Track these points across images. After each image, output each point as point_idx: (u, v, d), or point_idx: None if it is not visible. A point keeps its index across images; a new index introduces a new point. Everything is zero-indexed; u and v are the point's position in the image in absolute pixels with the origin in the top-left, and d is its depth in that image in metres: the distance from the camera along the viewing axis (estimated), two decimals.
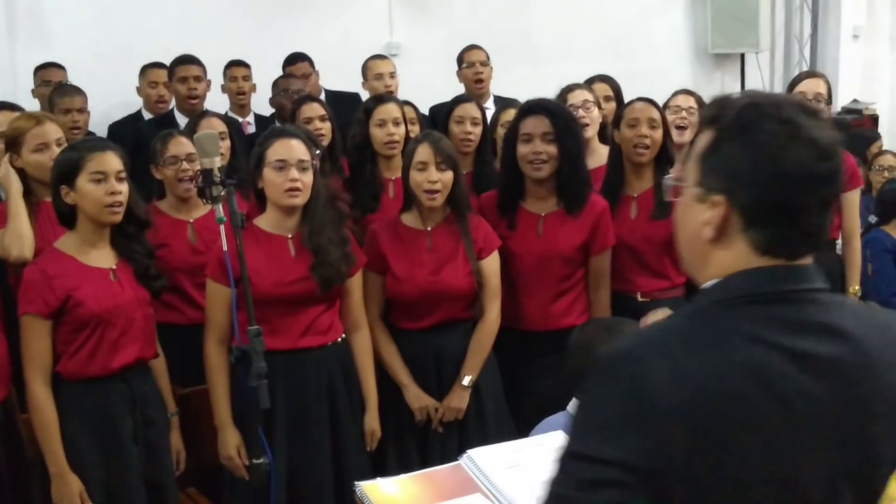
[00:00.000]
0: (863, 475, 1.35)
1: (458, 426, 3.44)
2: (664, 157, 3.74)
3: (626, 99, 4.12)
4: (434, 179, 3.34)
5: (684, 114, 4.24)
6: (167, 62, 5.28)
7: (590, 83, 4.64)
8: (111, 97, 5.48)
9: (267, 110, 5.50)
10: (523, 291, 3.56)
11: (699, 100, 4.38)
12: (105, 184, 2.96)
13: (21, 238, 3.27)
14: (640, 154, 3.71)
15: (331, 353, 3.25)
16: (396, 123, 4.01)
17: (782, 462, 1.29)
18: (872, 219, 5.11)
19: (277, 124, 4.54)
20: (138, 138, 4.68)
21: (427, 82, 5.73)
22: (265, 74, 5.48)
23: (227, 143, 4.04)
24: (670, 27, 7.94)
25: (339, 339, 3.30)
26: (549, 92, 4.11)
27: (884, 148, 6.59)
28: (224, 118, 4.40)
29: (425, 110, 5.01)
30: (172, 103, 5.29)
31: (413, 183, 3.39)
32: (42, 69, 5.30)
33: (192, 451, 3.34)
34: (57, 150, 3.31)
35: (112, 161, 3.00)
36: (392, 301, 3.49)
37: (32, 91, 5.26)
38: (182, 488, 3.37)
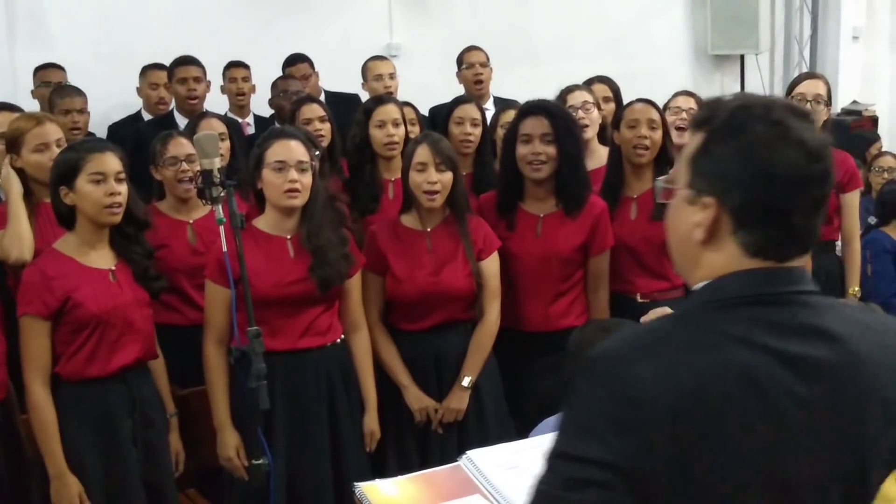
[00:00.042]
0: (853, 477, 1.35)
1: (457, 427, 3.43)
2: (664, 158, 3.74)
3: (626, 100, 4.12)
4: (433, 180, 3.34)
5: (684, 115, 4.24)
6: (167, 63, 5.29)
7: (589, 84, 4.64)
8: (111, 98, 5.48)
9: (266, 111, 5.50)
10: (522, 292, 3.56)
11: (699, 101, 4.38)
12: (104, 185, 2.96)
13: (21, 240, 3.26)
14: (639, 155, 3.71)
15: (330, 353, 3.25)
16: (396, 124, 4.01)
17: (770, 464, 1.29)
18: (872, 220, 5.12)
19: (277, 125, 4.54)
20: (138, 139, 4.69)
21: (427, 83, 5.73)
22: (265, 75, 5.48)
23: (227, 144, 4.04)
24: (670, 28, 7.94)
25: (339, 340, 3.30)
26: (549, 93, 4.11)
27: (883, 149, 6.60)
28: (224, 119, 4.41)
29: (425, 111, 5.01)
30: (172, 104, 5.29)
31: (412, 184, 3.39)
32: (42, 70, 5.31)
33: (192, 452, 3.34)
34: (57, 151, 3.30)
35: (111, 162, 3.00)
36: (392, 302, 3.49)
37: (32, 92, 5.26)
38: (182, 489, 3.36)
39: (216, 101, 5.40)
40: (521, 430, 3.04)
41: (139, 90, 5.46)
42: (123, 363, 3.02)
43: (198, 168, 3.07)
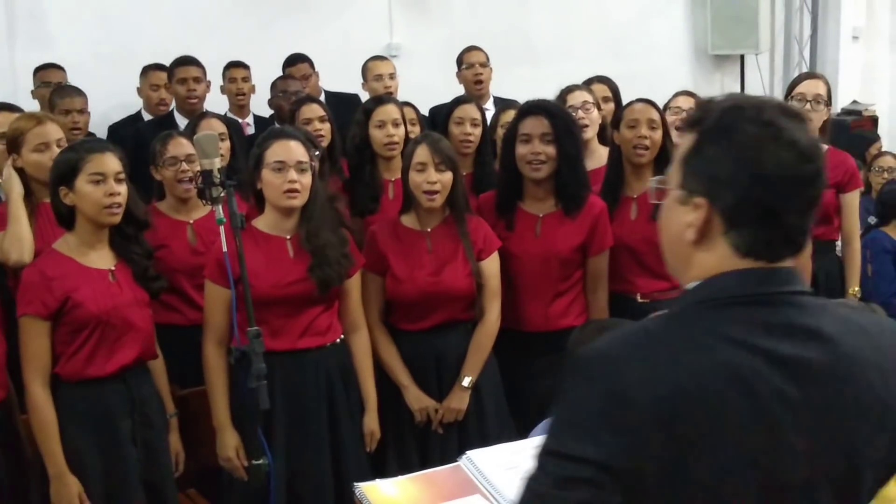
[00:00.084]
0: (845, 479, 1.35)
1: (458, 427, 3.43)
2: (664, 158, 3.73)
3: (625, 100, 4.12)
4: (433, 180, 3.34)
5: (684, 115, 4.23)
6: (167, 63, 5.29)
7: (588, 84, 4.64)
8: (111, 98, 5.49)
9: (266, 111, 5.50)
10: (521, 292, 3.56)
11: (699, 101, 4.38)
12: (104, 185, 2.96)
13: (20, 242, 3.26)
14: (639, 155, 3.71)
15: (329, 353, 3.25)
16: (396, 125, 4.01)
17: (760, 465, 1.29)
18: (872, 220, 5.12)
19: (276, 125, 4.54)
20: (138, 139, 4.69)
21: (427, 83, 5.73)
22: (265, 75, 5.48)
23: (227, 144, 4.04)
24: (670, 28, 7.94)
25: (338, 340, 3.30)
26: (549, 93, 4.11)
27: (883, 149, 6.60)
28: (224, 119, 4.40)
29: (425, 111, 5.01)
30: (172, 104, 5.29)
31: (412, 184, 3.39)
32: (41, 70, 5.31)
33: (192, 452, 3.34)
34: (57, 151, 3.30)
35: (111, 162, 3.00)
36: (392, 302, 3.48)
37: (32, 92, 5.26)
38: (182, 489, 3.37)
39: (216, 102, 5.41)
40: (521, 430, 3.04)
41: (140, 90, 5.47)
42: (123, 363, 3.02)
43: (198, 168, 3.07)
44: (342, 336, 3.32)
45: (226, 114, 5.26)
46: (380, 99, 4.26)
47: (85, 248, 3.03)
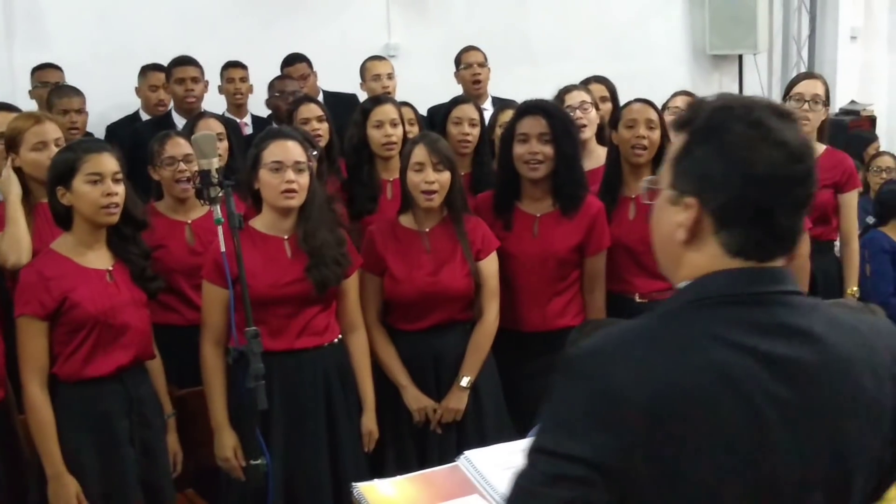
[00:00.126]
0: (836, 479, 1.34)
1: (456, 427, 3.43)
2: (662, 158, 3.73)
3: (623, 100, 4.12)
4: (431, 180, 3.34)
5: None
6: (165, 63, 5.29)
7: (585, 84, 4.64)
8: (109, 98, 5.48)
9: (265, 111, 5.50)
10: (518, 292, 3.56)
11: None
12: (101, 185, 2.96)
13: (18, 244, 3.26)
14: (637, 155, 3.71)
15: (327, 354, 3.25)
16: (394, 125, 4.01)
17: (748, 464, 1.29)
18: (870, 220, 5.12)
19: (274, 125, 4.54)
20: (136, 139, 4.69)
21: (425, 83, 5.73)
22: (263, 75, 5.48)
23: (225, 144, 4.04)
24: (668, 28, 7.95)
25: (336, 340, 3.30)
26: (548, 93, 4.11)
27: (881, 149, 6.60)
28: (222, 119, 4.40)
29: (423, 111, 5.01)
30: (170, 104, 5.29)
31: (410, 184, 3.38)
32: (39, 70, 5.30)
33: (190, 452, 3.33)
34: (55, 150, 3.30)
35: (108, 162, 2.99)
36: (390, 302, 3.48)
37: (30, 92, 5.26)
38: (180, 490, 3.36)
39: (214, 101, 5.40)
40: (520, 430, 3.04)
41: (138, 91, 5.46)
42: (120, 363, 3.02)
43: (195, 168, 3.07)
44: (340, 336, 3.32)
45: (224, 114, 5.26)
46: (377, 99, 4.25)
47: (82, 249, 3.03)
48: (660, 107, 4.02)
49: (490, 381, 3.50)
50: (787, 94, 4.37)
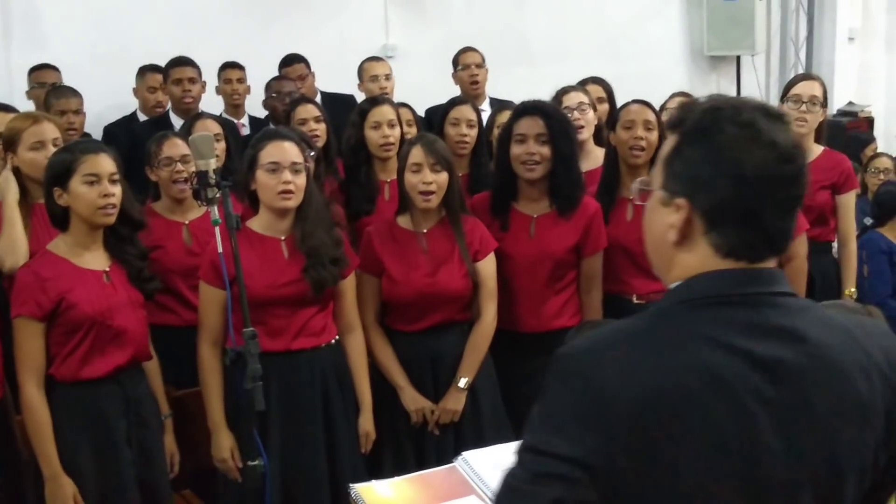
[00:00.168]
0: (826, 479, 1.34)
1: (454, 428, 3.43)
2: None
3: (621, 101, 4.12)
4: (428, 181, 3.34)
5: None
6: (163, 64, 5.28)
7: (582, 85, 4.64)
8: (106, 98, 5.47)
9: (262, 112, 5.50)
10: (515, 293, 3.56)
11: None
12: (98, 186, 2.95)
13: (15, 247, 3.25)
14: (635, 156, 3.71)
15: (324, 354, 3.25)
16: (391, 125, 4.01)
17: (736, 464, 1.29)
18: (868, 221, 5.12)
19: (271, 126, 4.54)
20: (134, 140, 4.69)
21: (423, 84, 5.73)
22: (261, 76, 5.47)
23: (223, 144, 4.04)
24: (666, 29, 7.95)
25: (333, 341, 3.29)
26: (546, 94, 4.11)
27: (879, 150, 6.60)
28: (219, 120, 4.40)
29: (421, 112, 5.01)
30: (168, 105, 5.29)
31: (408, 185, 3.38)
32: (36, 71, 5.30)
33: (188, 453, 3.33)
34: (53, 150, 3.29)
35: (105, 163, 2.99)
36: (388, 303, 3.48)
37: (27, 93, 5.25)
38: (177, 490, 3.36)
39: (212, 102, 5.40)
40: (517, 430, 3.03)
41: (136, 91, 5.46)
42: (118, 364, 3.02)
43: (193, 169, 3.06)
44: (337, 337, 3.32)
45: (221, 114, 5.25)
46: (375, 100, 4.25)
47: (79, 249, 3.02)
48: (658, 108, 4.02)
49: (488, 382, 3.49)
50: (784, 96, 4.37)
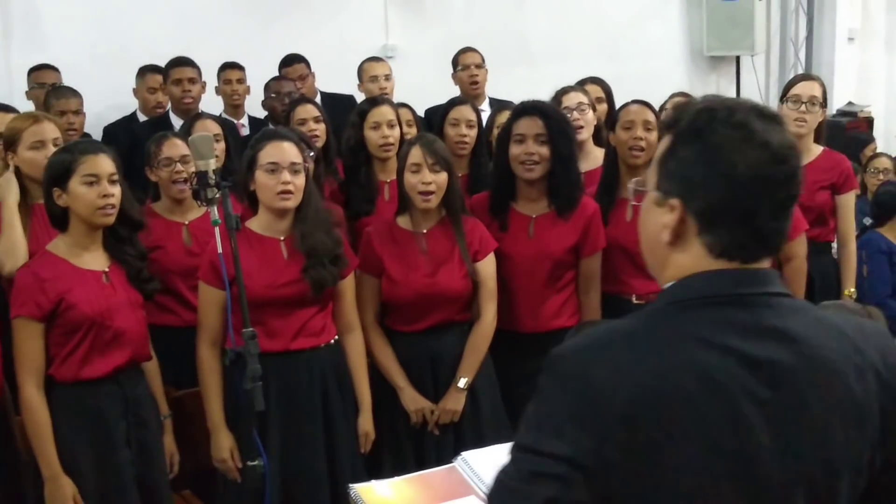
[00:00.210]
0: (819, 480, 1.34)
1: (453, 428, 3.43)
2: None
3: (620, 101, 4.13)
4: (428, 181, 3.34)
5: None
6: (162, 64, 5.28)
7: (581, 85, 4.64)
8: (106, 99, 5.48)
9: (262, 112, 5.50)
10: (514, 293, 3.56)
11: None
12: (97, 186, 2.96)
13: (14, 250, 3.24)
14: (635, 156, 3.71)
15: (323, 354, 3.25)
16: (391, 126, 4.01)
17: (729, 463, 1.30)
18: (867, 221, 5.12)
19: (270, 126, 4.54)
20: (133, 140, 4.69)
21: (422, 85, 5.73)
22: (261, 76, 5.47)
23: (222, 145, 4.03)
24: (666, 30, 7.95)
25: (332, 341, 3.29)
26: (545, 94, 4.11)
27: (878, 150, 6.60)
28: (219, 120, 4.40)
29: (421, 113, 5.01)
30: (168, 105, 5.29)
31: (407, 185, 3.38)
32: (36, 71, 5.30)
33: (187, 453, 3.33)
34: (53, 150, 3.29)
35: (104, 163, 2.99)
36: (388, 304, 3.48)
37: (26, 93, 5.25)
38: (176, 490, 3.36)
39: (211, 103, 5.40)
40: (517, 431, 3.03)
41: (136, 92, 5.46)
42: (117, 365, 3.02)
43: (193, 169, 3.06)
44: (336, 337, 3.32)
45: (221, 115, 5.25)
46: (374, 100, 4.25)
47: (78, 250, 3.02)
48: (657, 108, 4.02)
49: (487, 383, 3.49)
50: (784, 96, 4.37)
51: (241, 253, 2.91)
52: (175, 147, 3.66)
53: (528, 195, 3.58)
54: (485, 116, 4.62)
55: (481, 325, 3.45)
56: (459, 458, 2.32)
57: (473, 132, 4.27)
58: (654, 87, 5.02)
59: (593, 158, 4.21)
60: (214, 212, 2.86)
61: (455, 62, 5.53)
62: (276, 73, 5.54)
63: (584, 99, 4.34)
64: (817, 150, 4.33)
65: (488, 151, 4.24)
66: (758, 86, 8.23)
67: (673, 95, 4.69)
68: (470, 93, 5.32)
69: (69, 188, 2.96)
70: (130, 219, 3.11)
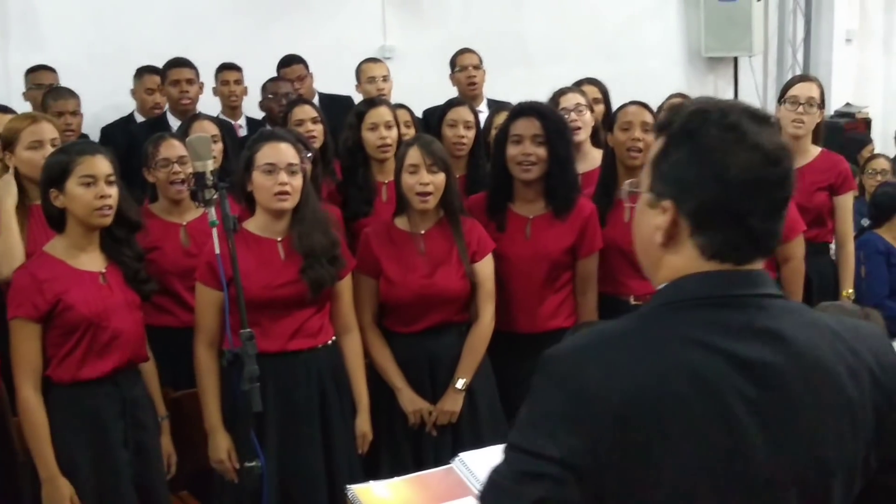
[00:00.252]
0: (812, 481, 1.35)
1: (451, 429, 3.43)
2: None
3: (618, 102, 4.13)
4: (425, 182, 3.34)
5: None
6: (160, 65, 5.28)
7: (578, 86, 4.64)
8: (104, 99, 5.48)
9: (260, 113, 5.50)
10: (511, 294, 3.56)
11: None
12: (94, 187, 2.95)
13: (10, 255, 3.23)
14: (633, 157, 3.71)
15: (321, 355, 3.25)
16: (388, 127, 4.01)
17: (721, 465, 1.30)
18: (865, 222, 5.12)
19: (268, 127, 4.54)
20: (131, 141, 4.68)
21: (420, 86, 5.73)
22: (259, 77, 5.47)
23: (220, 146, 4.03)
24: (664, 31, 7.96)
25: (330, 342, 3.29)
26: (543, 95, 4.11)
27: (876, 152, 6.61)
28: (216, 121, 4.40)
29: (419, 113, 5.01)
30: (165, 106, 5.29)
31: (405, 186, 3.38)
32: (33, 72, 5.30)
33: (185, 454, 3.33)
34: (51, 150, 3.29)
35: (101, 164, 2.99)
36: (386, 305, 3.48)
37: (24, 94, 5.25)
38: (174, 492, 3.36)
39: (209, 103, 5.40)
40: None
41: (133, 93, 5.46)
42: (114, 366, 3.01)
43: (190, 170, 3.06)
44: (334, 338, 3.32)
45: (218, 116, 5.26)
46: (372, 101, 4.25)
47: (76, 251, 3.02)
48: (655, 109, 4.02)
49: (485, 383, 3.49)
50: (782, 97, 4.37)
51: (238, 254, 2.91)
52: (173, 148, 3.65)
53: (525, 196, 3.57)
54: (482, 117, 4.62)
55: (479, 325, 3.45)
56: (457, 458, 2.33)
57: (471, 133, 4.27)
58: (651, 89, 5.01)
59: (591, 159, 4.21)
60: (212, 213, 2.86)
61: (453, 63, 5.53)
62: (274, 74, 5.54)
63: (582, 100, 4.34)
64: (815, 151, 4.33)
65: (486, 152, 4.24)
66: (755, 87, 8.23)
67: (671, 96, 4.69)
68: (468, 94, 5.32)
69: (66, 189, 2.95)
70: (128, 220, 3.11)
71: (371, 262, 3.43)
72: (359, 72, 5.47)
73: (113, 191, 2.99)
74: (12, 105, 4.47)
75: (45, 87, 5.08)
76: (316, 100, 5.30)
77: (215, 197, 2.86)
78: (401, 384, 3.41)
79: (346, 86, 5.61)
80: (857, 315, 2.98)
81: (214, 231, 2.87)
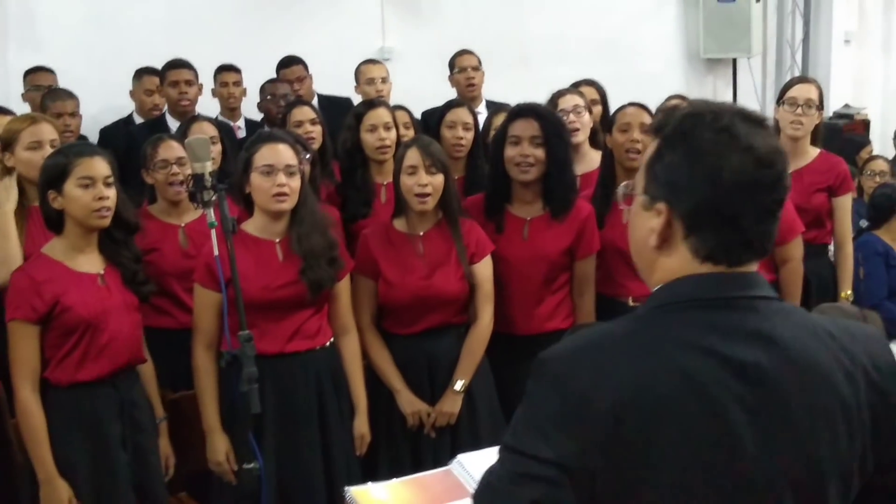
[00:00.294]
0: (808, 483, 1.35)
1: (450, 431, 3.43)
2: None
3: (617, 103, 4.13)
4: (424, 183, 3.34)
5: None
6: (159, 66, 5.28)
7: (575, 87, 4.64)
8: (102, 101, 5.48)
9: (259, 115, 5.50)
10: (508, 295, 3.56)
11: None
12: (93, 189, 2.95)
13: (8, 260, 3.22)
14: (632, 159, 3.71)
15: (319, 357, 3.25)
16: (387, 128, 4.01)
17: (714, 466, 1.30)
18: (864, 223, 5.13)
19: (266, 129, 4.54)
20: (130, 142, 4.69)
21: (419, 87, 5.73)
22: (258, 78, 5.48)
23: (219, 147, 4.03)
24: (662, 32, 7.96)
25: (328, 344, 3.29)
26: (542, 96, 4.12)
27: (875, 153, 6.61)
28: (215, 122, 4.40)
29: (417, 115, 5.01)
30: (164, 108, 5.29)
31: (403, 187, 3.38)
32: (31, 73, 5.30)
33: (183, 455, 3.33)
34: (50, 151, 3.29)
35: (99, 166, 2.99)
36: (384, 306, 3.48)
37: (22, 95, 5.25)
38: (172, 493, 3.36)
39: (208, 105, 5.40)
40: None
41: (132, 94, 5.46)
42: (112, 367, 3.01)
43: (189, 172, 3.06)
44: (332, 339, 3.31)
45: (217, 117, 5.26)
46: (371, 103, 4.25)
47: (74, 253, 3.02)
48: (654, 110, 4.02)
49: (484, 385, 3.49)
50: (780, 98, 4.38)
51: (236, 255, 2.90)
52: (171, 149, 3.65)
53: (523, 197, 3.58)
54: (481, 119, 4.62)
55: (478, 327, 3.45)
56: (456, 460, 2.32)
57: (470, 134, 4.27)
58: (650, 90, 5.01)
59: (590, 161, 4.22)
60: (211, 214, 2.86)
61: (451, 64, 5.54)
62: (273, 76, 5.54)
63: (580, 101, 4.34)
64: (814, 152, 4.33)
65: (485, 154, 4.24)
66: (754, 88, 8.24)
67: (669, 98, 4.69)
68: (466, 95, 5.32)
69: (64, 191, 2.95)
70: (126, 221, 3.11)
71: (370, 263, 3.43)
72: (358, 73, 5.47)
73: (111, 192, 2.99)
74: (11, 106, 4.46)
75: (44, 89, 5.08)
76: (315, 101, 5.30)
77: (214, 198, 2.85)
78: (399, 386, 3.41)
79: (344, 87, 5.61)
80: (856, 316, 2.99)
81: (213, 232, 2.86)
